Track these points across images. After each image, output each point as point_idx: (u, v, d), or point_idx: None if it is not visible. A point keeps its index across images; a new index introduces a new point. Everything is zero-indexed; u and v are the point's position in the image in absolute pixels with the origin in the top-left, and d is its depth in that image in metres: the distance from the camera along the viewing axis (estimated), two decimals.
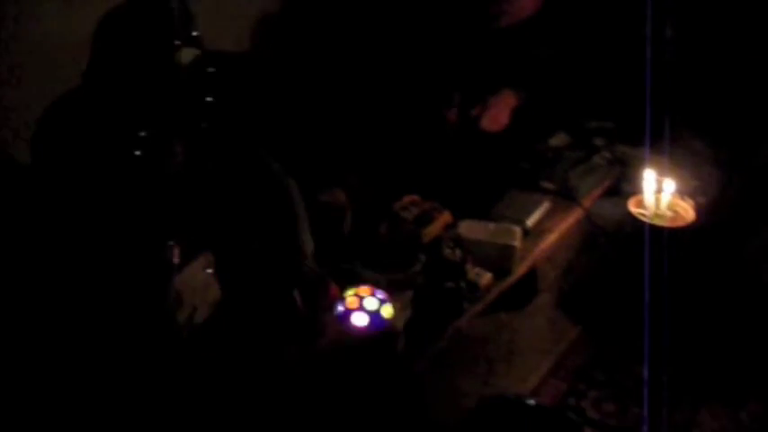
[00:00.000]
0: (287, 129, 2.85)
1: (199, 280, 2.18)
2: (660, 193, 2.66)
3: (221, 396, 2.05)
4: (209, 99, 2.26)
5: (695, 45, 3.50)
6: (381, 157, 3.17)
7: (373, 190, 2.95)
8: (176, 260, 2.12)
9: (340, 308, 2.29)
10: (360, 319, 2.27)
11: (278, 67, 3.38)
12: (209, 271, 2.22)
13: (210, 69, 2.28)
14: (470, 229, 2.72)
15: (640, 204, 2.69)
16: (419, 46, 3.34)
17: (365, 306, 2.28)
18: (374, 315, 2.27)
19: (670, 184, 2.65)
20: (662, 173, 2.68)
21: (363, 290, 2.30)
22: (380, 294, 2.29)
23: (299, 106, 3.25)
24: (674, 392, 2.47)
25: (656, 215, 2.66)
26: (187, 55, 2.22)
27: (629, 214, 2.73)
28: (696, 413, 2.40)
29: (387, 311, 2.28)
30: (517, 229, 2.75)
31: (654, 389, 2.46)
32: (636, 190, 2.91)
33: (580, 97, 3.64)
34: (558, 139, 3.46)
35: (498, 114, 3.27)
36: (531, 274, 2.85)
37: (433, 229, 2.69)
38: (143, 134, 2.13)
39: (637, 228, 2.70)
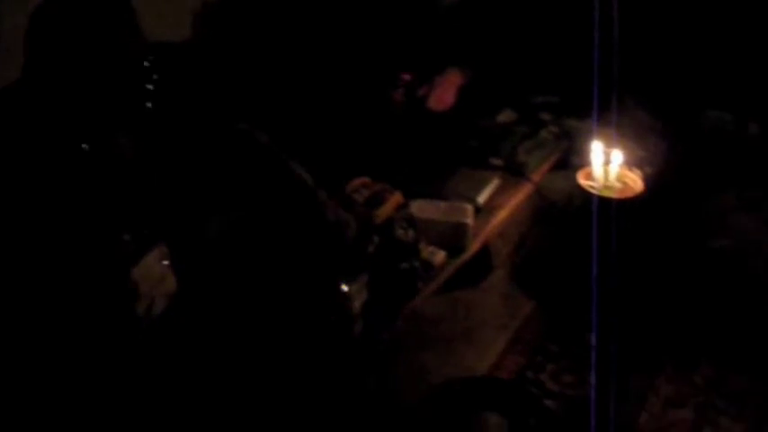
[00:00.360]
0: (230, 117, 2.83)
1: (155, 272, 2.16)
2: (608, 165, 2.68)
3: (183, 387, 2.04)
4: (149, 86, 2.24)
5: (638, 16, 3.52)
6: (329, 140, 3.16)
7: (322, 174, 2.94)
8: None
9: None
10: None
11: (220, 53, 3.35)
12: (165, 263, 2.20)
13: (150, 58, 2.25)
14: (422, 208, 2.72)
15: (589, 177, 2.70)
16: (364, 28, 3.32)
17: None
18: None
19: (618, 156, 2.67)
20: (609, 145, 2.70)
21: None
22: None
23: (243, 93, 3.23)
24: (628, 361, 2.50)
25: (605, 187, 2.67)
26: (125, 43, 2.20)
27: (579, 187, 2.75)
28: (652, 380, 2.44)
29: None
30: (469, 207, 2.76)
31: (602, 357, 2.49)
32: (584, 162, 2.93)
33: (525, 73, 3.66)
34: (505, 116, 3.47)
35: (444, 93, 3.27)
36: (484, 250, 2.86)
37: (384, 211, 2.68)
38: (87, 126, 2.10)
39: (586, 200, 2.72)
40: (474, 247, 2.77)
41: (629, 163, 2.72)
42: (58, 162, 2.06)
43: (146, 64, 2.22)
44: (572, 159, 3.36)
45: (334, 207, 2.52)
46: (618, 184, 2.68)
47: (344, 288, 2.27)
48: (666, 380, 2.44)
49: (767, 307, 2.75)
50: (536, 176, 3.19)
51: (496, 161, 3.17)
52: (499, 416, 2.29)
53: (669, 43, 3.77)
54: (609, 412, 2.31)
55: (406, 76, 3.30)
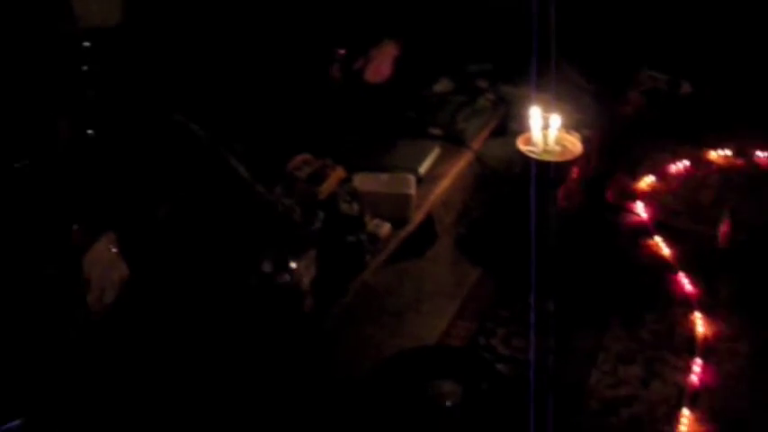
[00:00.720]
0: (170, 99, 2.79)
1: (105, 260, 2.14)
2: (547, 129, 2.71)
3: (138, 371, 2.03)
4: (86, 69, 2.21)
5: None
6: (268, 119, 3.14)
7: (264, 154, 2.92)
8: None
9: None
10: None
11: (153, 37, 3.30)
12: (114, 250, 2.18)
13: (86, 44, 2.22)
14: (365, 181, 2.72)
15: (529, 142, 2.73)
16: (296, 4, 3.30)
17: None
18: None
19: (556, 120, 2.69)
20: (547, 109, 2.73)
21: None
22: None
23: (180, 75, 3.19)
24: (575, 320, 2.54)
25: (545, 151, 2.70)
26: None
27: (518, 152, 2.77)
28: (601, 338, 2.47)
29: None
30: (411, 178, 2.77)
31: (541, 317, 2.53)
32: (522, 128, 2.95)
33: (459, 41, 3.67)
34: (442, 85, 3.48)
35: (381, 66, 3.27)
36: (428, 220, 2.87)
37: (327, 186, 2.67)
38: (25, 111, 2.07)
39: (526, 165, 2.74)
40: (418, 217, 2.78)
41: (567, 126, 2.75)
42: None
43: (85, 45, 2.19)
44: (510, 125, 3.39)
45: (277, 195, 2.52)
46: (557, 148, 2.71)
47: (293, 265, 2.26)
48: (614, 339, 2.48)
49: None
50: (475, 144, 3.21)
51: (435, 131, 3.18)
52: (453, 382, 2.31)
53: (601, 4, 3.80)
54: (549, 371, 2.35)
55: (341, 51, 3.28)
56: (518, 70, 3.64)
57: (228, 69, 3.29)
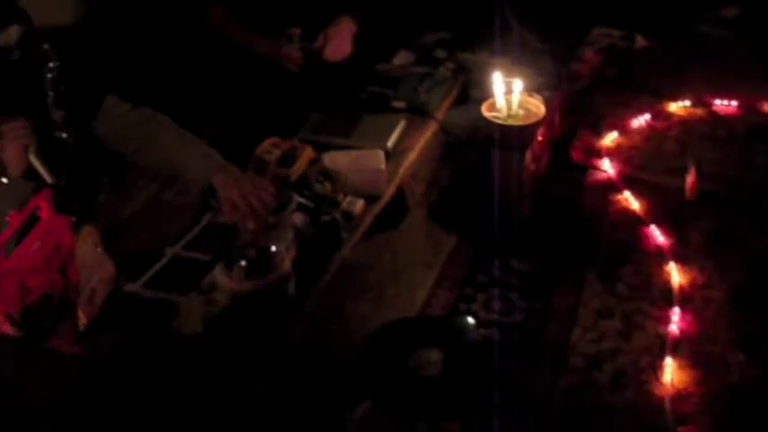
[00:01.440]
0: (138, 90, 2.79)
1: (91, 259, 2.14)
2: (510, 95, 2.74)
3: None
4: (50, 75, 2.20)
5: None
6: (232, 106, 3.14)
7: (233, 139, 2.93)
8: None
9: None
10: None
11: (114, 31, 3.30)
12: (99, 249, 2.18)
13: (45, 45, 2.21)
14: (335, 159, 2.74)
15: (492, 108, 2.75)
16: None
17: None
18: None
19: (518, 84, 2.72)
20: (508, 74, 2.75)
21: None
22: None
23: (146, 67, 3.19)
24: (554, 281, 2.58)
25: (510, 116, 2.73)
26: (13, 32, 2.14)
27: (481, 119, 2.80)
28: (579, 296, 2.51)
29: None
30: (380, 153, 2.79)
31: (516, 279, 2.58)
32: (483, 95, 2.98)
33: (412, 11, 3.68)
34: (401, 58, 3.51)
35: (341, 43, 3.28)
36: (400, 193, 2.90)
37: (298, 167, 2.69)
38: None
39: (492, 131, 2.77)
40: (390, 191, 2.81)
41: (529, 89, 2.78)
42: None
43: (45, 47, 2.19)
44: (471, 93, 3.42)
45: None
46: (521, 112, 2.74)
47: (273, 248, 2.27)
48: (592, 294, 2.51)
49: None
50: (439, 114, 3.24)
51: (399, 104, 3.21)
52: (438, 350, 2.33)
53: None
54: (531, 331, 2.40)
55: (296, 30, 3.29)
56: (474, 37, 3.67)
57: (190, 55, 3.29)
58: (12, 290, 1.86)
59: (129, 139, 2.49)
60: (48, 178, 2.20)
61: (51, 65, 2.26)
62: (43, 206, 1.97)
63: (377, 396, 2.13)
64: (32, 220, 1.99)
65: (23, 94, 2.21)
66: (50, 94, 2.26)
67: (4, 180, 2.21)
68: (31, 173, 2.24)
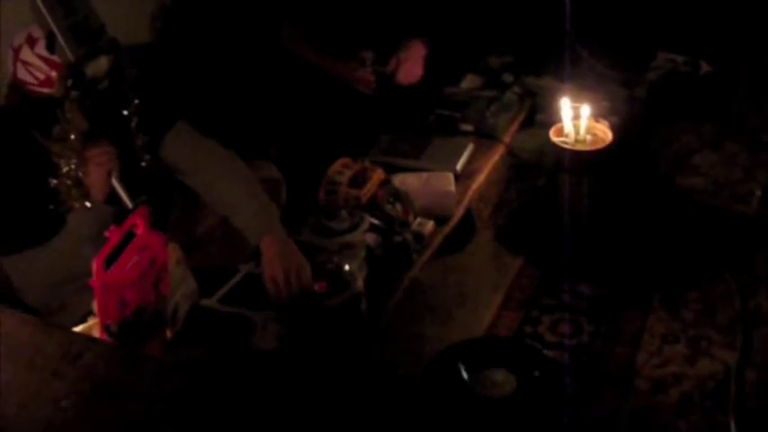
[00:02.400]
0: (210, 108, 2.88)
1: (175, 275, 2.22)
2: (578, 120, 2.78)
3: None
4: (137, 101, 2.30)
5: None
6: (305, 124, 3.22)
7: (302, 159, 3.00)
8: None
9: None
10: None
11: (190, 50, 3.39)
12: (181, 265, 2.26)
13: (133, 71, 2.29)
14: (405, 181, 2.80)
15: (560, 133, 2.80)
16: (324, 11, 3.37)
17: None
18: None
19: (586, 110, 2.76)
20: (576, 99, 2.80)
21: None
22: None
23: (218, 86, 3.28)
24: (619, 304, 2.61)
25: (577, 141, 2.78)
26: (103, 63, 2.22)
27: (548, 143, 2.85)
28: (645, 321, 2.54)
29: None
30: (450, 175, 2.85)
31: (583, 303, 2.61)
32: (548, 118, 3.03)
33: (478, 35, 3.74)
34: (469, 81, 3.56)
35: (413, 67, 3.34)
36: (468, 215, 2.95)
37: (369, 189, 2.75)
38: None
39: (558, 155, 2.82)
40: (458, 213, 2.86)
41: (596, 115, 2.82)
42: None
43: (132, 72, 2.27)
44: (537, 117, 3.47)
45: None
46: (589, 137, 2.78)
47: (347, 267, 2.34)
48: (658, 320, 2.54)
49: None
50: (506, 137, 3.29)
51: (467, 127, 3.27)
52: (506, 372, 2.37)
53: None
54: (605, 355, 2.43)
55: (369, 54, 3.36)
56: (538, 61, 3.72)
57: (261, 73, 3.38)
58: (111, 303, 1.96)
59: (194, 172, 2.54)
60: (128, 203, 2.26)
61: (135, 98, 2.34)
62: (139, 223, 2.06)
63: (449, 417, 2.18)
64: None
65: (109, 120, 2.29)
66: (134, 119, 2.34)
67: (88, 204, 2.30)
68: (112, 197, 2.32)
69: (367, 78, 3.31)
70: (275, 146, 3.17)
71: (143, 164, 2.40)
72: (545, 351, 2.49)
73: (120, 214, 2.23)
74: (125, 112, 2.31)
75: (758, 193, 2.86)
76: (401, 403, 2.26)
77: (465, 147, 3.09)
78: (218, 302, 2.40)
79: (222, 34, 3.58)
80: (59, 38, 2.06)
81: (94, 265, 1.92)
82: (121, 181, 2.26)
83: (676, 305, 2.59)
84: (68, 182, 2.26)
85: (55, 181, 2.26)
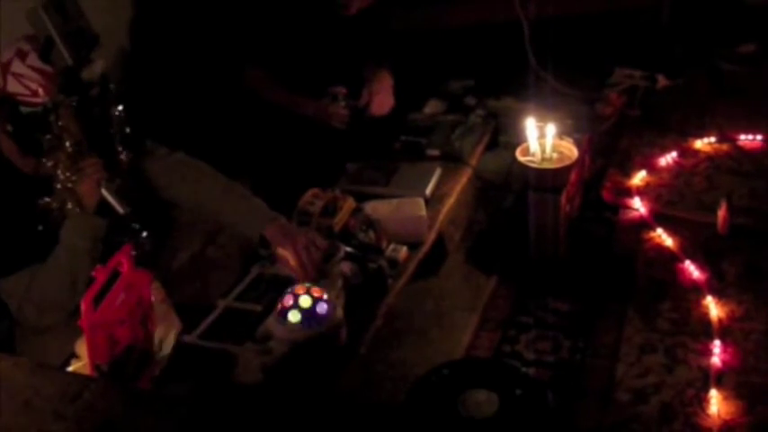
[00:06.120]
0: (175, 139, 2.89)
1: (159, 313, 2.22)
2: (543, 138, 2.82)
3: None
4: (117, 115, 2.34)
5: None
6: (275, 158, 3.24)
7: (273, 191, 3.01)
8: None
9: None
10: (295, 317, 2.33)
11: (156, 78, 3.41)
12: (164, 304, 2.26)
13: (112, 85, 2.34)
14: (377, 209, 2.82)
15: (526, 153, 2.84)
16: (290, 46, 3.40)
17: (301, 304, 2.34)
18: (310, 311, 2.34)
19: (551, 128, 2.80)
20: (540, 119, 2.84)
21: (298, 288, 2.36)
22: (316, 291, 2.35)
23: (185, 117, 3.29)
24: (595, 320, 2.64)
25: (544, 159, 2.81)
26: (97, 67, 2.28)
27: (513, 163, 2.88)
28: (621, 332, 2.57)
29: (321, 307, 2.35)
30: (420, 200, 2.87)
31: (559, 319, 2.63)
32: (511, 139, 3.07)
33: (438, 61, 3.79)
34: (432, 106, 3.60)
35: (385, 98, 3.41)
36: (439, 239, 2.97)
37: (341, 218, 2.77)
38: None
39: (524, 175, 2.85)
40: (431, 237, 2.88)
41: (560, 132, 2.86)
42: None
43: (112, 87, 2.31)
44: (500, 138, 3.51)
45: None
46: (555, 155, 2.82)
47: (326, 296, 2.35)
48: (634, 330, 2.57)
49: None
50: (472, 160, 3.32)
51: (433, 152, 3.30)
52: (487, 391, 2.38)
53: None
54: (585, 369, 2.45)
55: (341, 89, 3.40)
56: (498, 83, 3.77)
57: (228, 110, 3.40)
58: (101, 341, 1.96)
59: (175, 184, 2.59)
60: (120, 209, 2.35)
61: (119, 107, 2.39)
62: (124, 261, 2.07)
63: None
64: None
65: (97, 129, 2.34)
66: (117, 135, 2.40)
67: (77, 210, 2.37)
68: (103, 206, 2.38)
69: (340, 113, 3.36)
70: (245, 180, 3.18)
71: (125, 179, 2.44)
72: (525, 369, 2.49)
73: (113, 225, 2.36)
74: (111, 130, 2.36)
75: (723, 201, 2.89)
76: (386, 430, 2.25)
77: (433, 171, 3.12)
78: (199, 338, 2.41)
79: (184, 75, 3.61)
80: (58, 43, 2.14)
81: (83, 306, 1.93)
82: (110, 189, 2.32)
83: (651, 315, 2.62)
84: (67, 185, 2.29)
85: (45, 200, 2.31)
